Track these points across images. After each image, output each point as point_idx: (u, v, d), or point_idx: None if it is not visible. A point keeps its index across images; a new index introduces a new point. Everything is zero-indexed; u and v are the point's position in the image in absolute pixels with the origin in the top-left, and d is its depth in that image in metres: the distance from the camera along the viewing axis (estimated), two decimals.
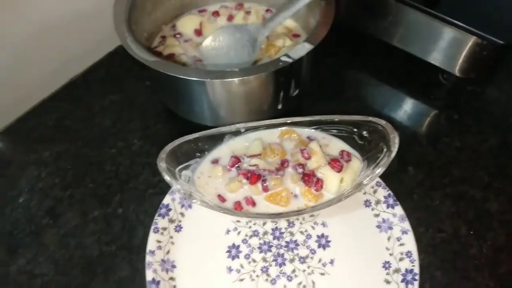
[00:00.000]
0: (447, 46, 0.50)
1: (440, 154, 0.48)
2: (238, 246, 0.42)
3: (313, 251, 0.41)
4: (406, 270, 0.38)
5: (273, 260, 0.41)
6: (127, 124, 0.52)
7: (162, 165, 0.37)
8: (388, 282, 0.38)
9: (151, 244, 0.41)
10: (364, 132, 0.40)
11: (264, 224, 0.43)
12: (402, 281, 0.38)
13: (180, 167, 0.39)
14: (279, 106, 0.47)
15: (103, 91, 0.55)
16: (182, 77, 0.40)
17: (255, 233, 0.42)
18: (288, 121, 0.42)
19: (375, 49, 0.58)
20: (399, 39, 0.54)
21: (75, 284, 0.41)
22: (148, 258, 0.40)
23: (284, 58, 0.40)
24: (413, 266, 0.38)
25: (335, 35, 0.43)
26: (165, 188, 0.45)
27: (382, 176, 0.44)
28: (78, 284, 0.41)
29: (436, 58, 0.52)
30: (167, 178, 0.37)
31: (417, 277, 0.37)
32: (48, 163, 0.49)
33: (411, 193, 0.44)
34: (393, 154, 0.37)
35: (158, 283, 0.39)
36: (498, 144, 0.49)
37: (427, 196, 0.44)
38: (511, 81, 0.55)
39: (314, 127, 0.42)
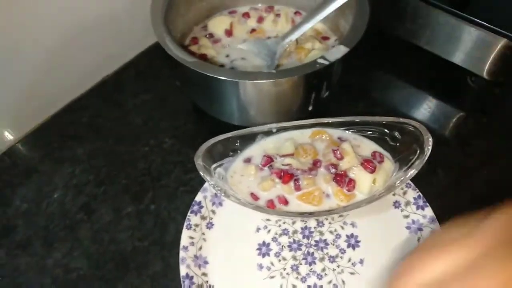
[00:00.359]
0: (476, 48, 0.50)
1: (469, 157, 0.48)
2: (268, 244, 0.42)
3: (342, 251, 0.41)
4: None
5: (303, 259, 0.41)
6: (158, 123, 0.54)
7: (199, 162, 0.38)
8: None
9: (184, 240, 0.42)
10: (396, 134, 0.41)
11: (293, 223, 0.44)
12: None
13: (214, 165, 0.40)
14: (310, 108, 0.47)
15: (134, 90, 0.57)
16: (218, 77, 0.41)
17: (284, 232, 0.43)
18: (320, 122, 0.42)
19: (403, 51, 0.58)
20: (427, 41, 0.54)
21: (109, 278, 0.42)
22: (182, 253, 0.41)
23: (320, 60, 0.41)
24: None
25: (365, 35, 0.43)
26: (196, 186, 0.46)
27: (412, 178, 0.45)
28: (112, 278, 0.42)
29: (464, 60, 0.52)
30: (204, 175, 0.38)
31: None
32: (82, 160, 0.51)
33: (441, 195, 0.44)
34: (427, 156, 0.37)
35: (191, 278, 0.40)
36: None
37: (458, 198, 0.44)
38: None
39: (345, 127, 0.43)
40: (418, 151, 0.38)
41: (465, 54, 0.52)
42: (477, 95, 0.54)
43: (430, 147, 0.37)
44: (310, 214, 0.38)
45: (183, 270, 0.40)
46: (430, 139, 0.37)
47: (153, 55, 0.61)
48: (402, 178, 0.37)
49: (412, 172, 0.37)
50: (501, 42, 0.48)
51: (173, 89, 0.57)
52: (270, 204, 0.39)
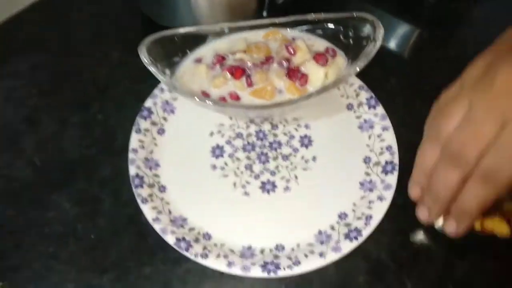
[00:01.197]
0: None
1: (421, 65, 0.49)
2: (222, 146, 0.42)
3: (296, 150, 0.42)
4: (386, 162, 0.39)
5: (257, 158, 0.41)
6: (105, 34, 0.51)
7: (144, 52, 0.36)
8: (368, 174, 0.40)
9: (133, 143, 0.40)
10: (350, 31, 0.40)
11: (247, 127, 0.43)
12: (382, 171, 0.39)
13: (162, 63, 0.38)
14: (264, 13, 0.46)
15: (81, 4, 0.53)
16: None
17: (238, 135, 0.42)
18: (273, 22, 0.41)
19: None
20: None
21: (54, 185, 0.40)
22: (131, 155, 0.39)
23: None
24: (393, 158, 0.39)
25: None
26: (146, 96, 0.44)
27: (366, 82, 0.45)
28: (57, 185, 0.40)
29: None
30: (150, 67, 0.36)
31: (396, 167, 0.39)
32: (24, 74, 0.47)
33: (394, 97, 0.44)
34: (377, 46, 0.37)
35: (142, 177, 0.38)
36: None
37: (409, 101, 0.45)
38: None
39: (299, 28, 0.42)
40: (370, 43, 0.37)
41: None
42: (433, 10, 0.54)
43: (380, 37, 0.37)
44: (263, 107, 0.37)
45: (132, 170, 0.38)
46: (382, 30, 0.37)
47: None
48: (351, 69, 0.37)
49: (363, 60, 0.37)
50: None
51: (122, 2, 0.54)
52: (222, 100, 0.38)
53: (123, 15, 0.53)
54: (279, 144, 0.42)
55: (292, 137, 0.42)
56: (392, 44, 0.52)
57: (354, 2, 0.55)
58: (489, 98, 0.28)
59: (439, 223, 0.34)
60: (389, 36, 0.52)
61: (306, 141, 0.42)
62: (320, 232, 0.37)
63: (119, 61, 0.48)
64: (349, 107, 0.44)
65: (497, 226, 0.33)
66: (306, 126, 0.43)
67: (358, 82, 0.44)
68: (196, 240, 0.35)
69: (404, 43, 0.52)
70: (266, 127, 0.43)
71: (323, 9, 0.53)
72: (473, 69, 0.30)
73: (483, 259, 0.36)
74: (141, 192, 0.37)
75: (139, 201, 0.37)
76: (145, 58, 0.36)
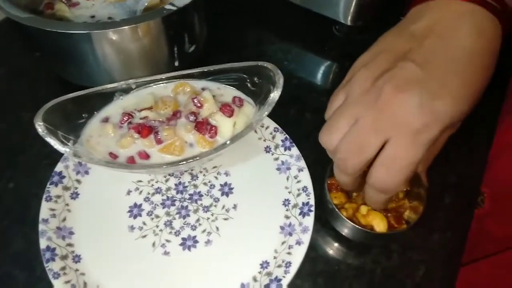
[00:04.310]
0: None
1: None
2: (140, 205, 0.41)
3: (216, 200, 0.41)
4: (303, 204, 0.40)
5: (177, 213, 0.40)
6: (16, 97, 0.49)
7: (39, 123, 0.35)
8: (287, 217, 0.40)
9: (43, 212, 0.38)
10: (255, 78, 0.41)
11: (167, 180, 0.42)
12: (300, 214, 0.39)
13: (65, 128, 0.37)
14: (176, 63, 0.46)
15: None
16: (61, 31, 0.38)
17: (157, 191, 0.42)
18: (180, 74, 0.41)
19: (275, 8, 0.59)
20: None
21: None
22: (41, 226, 0.38)
23: (168, 7, 0.39)
24: (309, 199, 0.40)
25: None
26: (60, 158, 0.43)
27: (281, 124, 0.46)
28: None
29: (330, 11, 0.54)
30: (47, 138, 0.35)
31: (312, 208, 0.39)
32: None
33: (308, 136, 0.45)
34: (278, 93, 0.38)
35: (53, 250, 0.37)
36: None
37: None
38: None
39: (208, 78, 0.42)
40: (272, 90, 0.38)
41: (330, 5, 0.54)
42: (342, 43, 0.57)
43: (281, 84, 0.38)
44: (174, 164, 0.37)
45: (43, 243, 0.37)
46: (281, 78, 0.38)
47: (7, 27, 0.55)
48: (259, 116, 0.38)
49: (266, 108, 0.37)
50: None
51: (33, 61, 0.52)
52: (131, 161, 0.37)
53: (35, 75, 0.51)
54: (200, 195, 0.42)
55: (212, 186, 0.42)
56: (309, 81, 0.53)
57: (268, 44, 0.56)
58: (372, 114, 0.29)
59: None
60: (306, 73, 0.54)
61: (226, 189, 0.42)
62: (242, 286, 0.36)
63: (31, 124, 0.46)
64: (267, 149, 0.44)
65: (377, 222, 0.36)
66: (226, 173, 0.43)
67: (273, 125, 0.45)
68: None
69: (320, 79, 0.54)
70: (186, 178, 0.43)
71: (237, 53, 0.55)
72: (360, 79, 0.31)
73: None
74: (52, 267, 0.36)
75: (50, 276, 0.35)
76: (40, 129, 0.35)
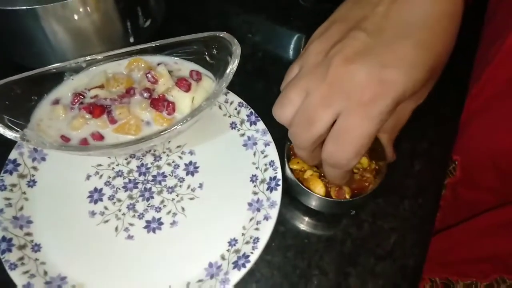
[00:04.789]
0: None
1: None
2: (101, 189, 0.39)
3: (181, 180, 0.40)
4: (270, 178, 0.39)
5: (140, 196, 0.39)
6: None
7: None
8: (255, 193, 0.39)
9: None
10: (214, 51, 0.39)
11: (128, 163, 0.41)
12: (267, 189, 0.38)
13: (13, 112, 0.35)
14: (131, 39, 0.44)
15: None
16: (5, 8, 0.36)
17: (118, 174, 0.40)
18: (134, 49, 0.39)
19: None
20: None
21: None
22: None
23: None
24: (276, 173, 0.39)
25: None
26: (13, 145, 0.40)
27: (247, 98, 0.44)
28: None
29: None
30: None
31: (280, 183, 0.38)
32: None
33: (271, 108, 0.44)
34: (235, 64, 0.36)
35: (10, 240, 0.35)
36: None
37: None
38: None
39: (164, 53, 0.40)
40: (229, 62, 0.36)
41: None
42: (308, 13, 0.55)
43: (238, 55, 0.36)
44: (127, 144, 0.35)
45: None
46: (238, 48, 0.36)
47: None
48: (217, 89, 0.36)
49: (224, 80, 0.36)
50: None
51: None
52: (84, 143, 0.35)
53: None
54: (164, 176, 0.40)
55: (176, 166, 0.41)
56: (275, 53, 0.51)
57: (231, 16, 0.54)
58: (322, 88, 0.28)
59: None
60: (272, 45, 0.52)
61: (191, 168, 0.40)
62: (210, 265, 0.35)
63: None
64: (233, 125, 0.43)
65: (313, 183, 0.36)
66: (191, 152, 0.41)
67: (237, 100, 0.43)
68: None
69: (287, 51, 0.52)
70: (149, 159, 0.41)
71: (199, 28, 0.52)
72: (312, 51, 0.30)
73: None
74: (9, 257, 0.34)
75: (7, 267, 0.34)
76: None
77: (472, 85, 0.47)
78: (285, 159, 0.36)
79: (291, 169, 0.36)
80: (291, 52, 0.52)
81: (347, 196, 0.35)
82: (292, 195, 0.38)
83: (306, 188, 0.35)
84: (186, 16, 0.53)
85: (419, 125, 0.43)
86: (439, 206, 0.41)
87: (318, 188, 0.35)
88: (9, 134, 0.33)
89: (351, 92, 0.27)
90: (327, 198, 0.35)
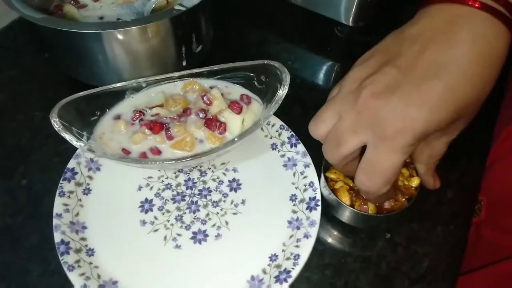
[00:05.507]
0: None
1: None
2: (151, 200, 0.42)
3: (225, 195, 0.42)
4: (310, 198, 0.41)
5: (187, 208, 0.41)
6: (26, 97, 0.50)
7: (55, 119, 0.36)
8: (294, 212, 0.41)
9: (57, 207, 0.39)
10: (262, 77, 0.42)
11: (176, 176, 0.43)
12: (307, 208, 0.40)
13: (79, 125, 0.38)
14: (184, 63, 0.47)
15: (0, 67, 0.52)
16: (73, 30, 0.39)
17: (167, 186, 0.43)
18: (189, 73, 0.42)
19: (279, 9, 0.61)
20: None
21: None
22: (55, 221, 0.39)
23: (177, 7, 0.41)
24: (315, 194, 0.41)
25: None
26: (71, 155, 0.44)
27: (286, 121, 0.47)
28: None
29: (331, 12, 0.55)
30: (62, 133, 0.36)
31: (319, 203, 0.40)
32: None
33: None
34: (285, 91, 0.39)
35: (67, 243, 0.38)
36: None
37: None
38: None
39: (216, 77, 0.44)
40: (279, 88, 0.39)
41: (332, 6, 0.55)
42: (343, 44, 0.58)
43: (287, 82, 0.39)
44: (182, 160, 0.38)
45: (57, 237, 0.38)
46: (288, 76, 0.39)
47: (18, 30, 0.56)
48: (266, 114, 0.39)
49: (273, 105, 0.39)
50: None
51: (42, 62, 0.53)
52: (143, 157, 0.38)
53: (45, 75, 0.52)
54: (209, 190, 0.43)
55: (221, 182, 0.43)
56: (312, 80, 0.54)
57: (272, 44, 0.58)
58: (351, 115, 0.30)
59: None
60: (309, 72, 0.55)
61: (234, 185, 0.43)
62: (252, 278, 0.37)
63: (42, 122, 0.48)
64: (273, 146, 0.45)
65: (341, 194, 0.39)
66: (234, 170, 0.44)
67: (279, 122, 0.46)
68: None
69: (323, 78, 0.55)
70: (195, 174, 0.44)
71: (242, 53, 0.56)
72: (350, 77, 0.32)
73: None
74: (67, 259, 0.37)
75: (65, 269, 0.36)
76: (56, 124, 0.36)
77: (500, 128, 0.49)
78: (322, 168, 0.40)
79: (326, 178, 0.39)
80: (326, 80, 0.55)
81: (370, 212, 0.38)
82: (336, 218, 0.41)
83: (335, 197, 0.38)
84: (230, 43, 0.56)
85: (452, 155, 0.46)
86: (468, 234, 0.43)
87: (344, 200, 0.38)
88: (76, 143, 0.36)
89: (376, 126, 0.29)
90: (352, 208, 0.37)
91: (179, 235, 0.40)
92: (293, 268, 0.37)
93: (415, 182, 0.38)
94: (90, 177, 0.43)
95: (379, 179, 0.31)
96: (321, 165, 0.40)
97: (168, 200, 0.42)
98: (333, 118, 0.32)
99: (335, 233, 0.41)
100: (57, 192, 0.40)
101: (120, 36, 0.42)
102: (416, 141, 0.29)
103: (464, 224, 0.43)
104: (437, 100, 0.28)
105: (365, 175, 0.31)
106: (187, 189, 0.43)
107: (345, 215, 0.39)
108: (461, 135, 0.34)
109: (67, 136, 0.36)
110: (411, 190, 0.39)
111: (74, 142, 0.36)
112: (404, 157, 0.29)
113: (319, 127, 0.33)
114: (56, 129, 0.36)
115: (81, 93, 0.39)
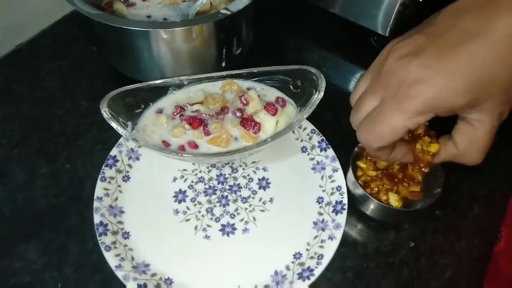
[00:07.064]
0: (377, 8, 0.55)
1: None
2: (185, 191, 0.44)
3: (254, 192, 0.44)
4: (336, 202, 0.42)
5: (218, 202, 0.43)
6: (74, 87, 0.53)
7: (105, 109, 0.38)
8: (320, 214, 0.42)
9: (98, 191, 0.42)
10: (298, 81, 0.44)
11: (209, 171, 0.46)
12: (333, 211, 0.42)
13: (125, 115, 0.41)
14: (223, 64, 0.50)
15: (50, 57, 0.56)
16: (124, 27, 0.42)
17: (200, 180, 0.45)
18: (229, 74, 0.45)
19: (317, 18, 0.62)
20: (339, 8, 0.58)
21: (22, 234, 0.41)
22: (96, 204, 0.41)
23: (223, 11, 0.43)
24: (342, 198, 0.42)
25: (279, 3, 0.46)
26: (113, 144, 0.46)
27: (318, 126, 0.48)
28: (25, 235, 0.41)
29: (369, 22, 0.56)
30: (110, 122, 0.38)
31: (345, 207, 0.41)
32: None
33: (343, 140, 0.48)
34: (320, 96, 0.40)
35: (106, 225, 0.40)
36: None
37: (355, 141, 0.48)
38: None
39: (253, 79, 0.46)
40: (314, 93, 0.41)
41: (370, 16, 0.56)
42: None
43: (323, 88, 0.41)
44: (217, 155, 0.40)
45: (97, 219, 0.40)
46: (324, 81, 0.41)
47: (69, 24, 0.60)
48: (299, 117, 0.40)
49: (307, 109, 0.40)
50: (399, 0, 0.53)
51: (90, 55, 0.57)
52: (181, 149, 0.41)
53: (92, 66, 0.56)
54: (239, 187, 0.45)
55: (251, 179, 0.45)
56: (345, 88, 0.56)
57: (308, 51, 0.59)
58: (375, 78, 0.31)
59: None
60: (343, 80, 0.56)
61: (264, 183, 0.45)
62: (276, 273, 0.39)
63: (87, 111, 0.51)
64: (303, 149, 0.47)
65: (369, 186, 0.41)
66: (264, 169, 0.46)
67: (310, 126, 0.47)
68: (158, 286, 0.37)
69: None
70: (227, 170, 0.46)
71: (279, 59, 0.58)
72: (385, 48, 0.33)
73: None
74: (104, 240, 0.39)
75: (102, 249, 0.39)
76: (105, 114, 0.39)
77: None
78: (350, 158, 0.42)
79: (354, 168, 0.42)
80: None
81: (393, 205, 0.39)
82: (361, 222, 0.42)
83: (359, 185, 0.40)
84: (268, 48, 0.58)
85: (480, 170, 0.46)
86: (493, 249, 0.43)
87: (369, 191, 0.40)
88: (122, 131, 0.39)
89: (391, 84, 0.29)
90: (374, 199, 0.40)
91: (209, 226, 0.42)
92: (316, 267, 0.38)
93: (434, 148, 0.37)
94: (130, 166, 0.45)
95: (375, 135, 0.31)
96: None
97: (200, 193, 0.44)
98: (366, 83, 0.33)
99: (359, 237, 0.42)
100: (99, 177, 0.43)
101: (166, 36, 0.45)
102: (425, 110, 0.28)
103: (488, 239, 0.43)
104: (456, 67, 0.27)
105: (364, 129, 0.32)
106: (218, 183, 0.45)
107: (369, 208, 0.41)
108: (493, 149, 0.33)
109: (114, 125, 0.38)
110: (428, 156, 0.37)
111: (120, 130, 0.39)
112: (407, 123, 0.29)
113: (353, 94, 0.35)
114: (105, 117, 0.39)
115: (128, 87, 0.42)
